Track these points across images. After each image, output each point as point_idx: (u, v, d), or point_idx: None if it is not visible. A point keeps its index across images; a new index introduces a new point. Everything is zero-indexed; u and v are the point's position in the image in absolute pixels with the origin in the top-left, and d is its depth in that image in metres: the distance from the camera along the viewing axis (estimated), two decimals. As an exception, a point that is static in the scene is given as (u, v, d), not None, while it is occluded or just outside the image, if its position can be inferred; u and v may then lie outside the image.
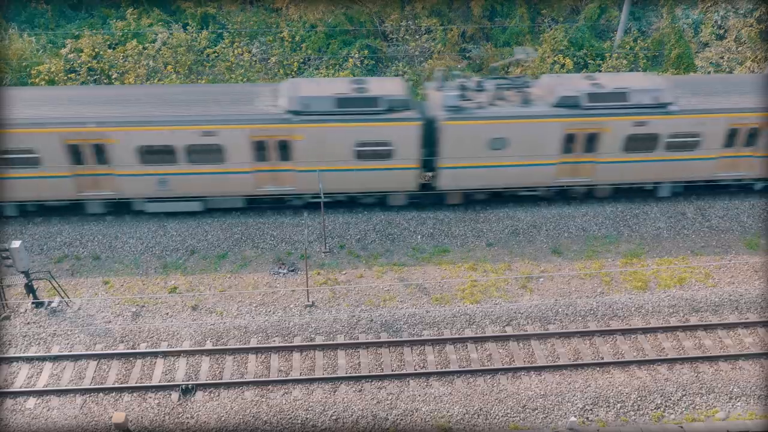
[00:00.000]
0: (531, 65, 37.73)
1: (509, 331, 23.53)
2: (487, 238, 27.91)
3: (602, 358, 22.57)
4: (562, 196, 29.30)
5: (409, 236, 27.82)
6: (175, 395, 21.10)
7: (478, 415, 20.68)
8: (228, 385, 21.42)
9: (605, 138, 27.34)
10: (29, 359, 22.12)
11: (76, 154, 26.04)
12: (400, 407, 20.84)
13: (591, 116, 26.95)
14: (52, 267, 25.72)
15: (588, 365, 22.22)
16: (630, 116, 27.06)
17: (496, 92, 27.56)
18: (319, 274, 25.91)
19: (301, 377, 21.62)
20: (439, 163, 27.39)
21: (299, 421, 20.42)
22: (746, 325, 23.82)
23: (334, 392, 21.30)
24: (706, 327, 23.69)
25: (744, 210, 29.29)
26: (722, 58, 40.08)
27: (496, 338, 23.16)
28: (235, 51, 37.76)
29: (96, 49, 36.36)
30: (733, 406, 21.17)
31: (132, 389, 21.22)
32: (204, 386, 21.35)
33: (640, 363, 22.34)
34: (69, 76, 35.51)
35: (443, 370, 21.94)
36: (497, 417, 20.66)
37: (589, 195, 29.33)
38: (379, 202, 28.61)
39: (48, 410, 20.59)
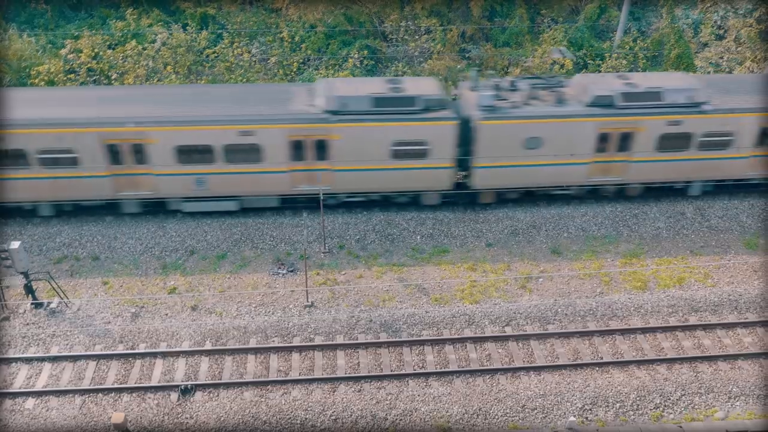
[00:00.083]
0: (531, 65, 37.75)
1: (508, 331, 23.54)
2: (487, 238, 27.91)
3: (601, 358, 22.57)
4: (593, 194, 29.42)
5: (409, 236, 27.83)
6: (174, 395, 21.11)
7: (478, 415, 20.69)
8: (227, 386, 21.42)
9: (639, 137, 27.49)
10: (28, 360, 22.13)
11: (114, 153, 26.12)
12: (399, 407, 20.85)
13: (625, 116, 27.10)
14: (51, 268, 25.73)
15: (587, 365, 22.22)
16: (664, 115, 27.19)
17: (530, 92, 27.74)
18: (319, 275, 25.91)
19: (300, 377, 21.63)
20: (474, 163, 27.51)
21: (298, 422, 20.43)
22: (745, 324, 23.83)
23: (334, 392, 21.31)
24: (706, 327, 23.70)
25: (743, 210, 29.30)
26: (722, 58, 40.08)
27: (495, 338, 23.16)
28: (235, 51, 37.77)
29: (95, 50, 36.36)
30: (732, 405, 21.17)
31: (131, 390, 21.23)
32: (203, 386, 21.36)
33: (639, 363, 22.34)
34: (68, 76, 35.52)
35: (442, 370, 21.94)
36: (496, 417, 20.67)
37: (619, 194, 29.45)
38: (413, 201, 28.75)
39: (47, 411, 20.60)
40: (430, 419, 20.57)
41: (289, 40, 39.18)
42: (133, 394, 21.12)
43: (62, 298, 24.30)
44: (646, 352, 22.78)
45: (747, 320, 23.92)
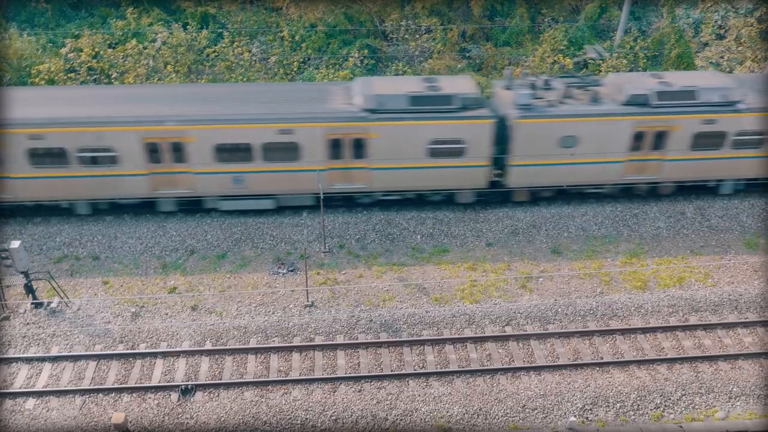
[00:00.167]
0: (531, 65, 37.73)
1: (509, 331, 23.53)
2: (487, 238, 27.90)
3: (602, 358, 22.56)
4: (627, 193, 29.52)
5: (409, 236, 27.82)
6: (174, 395, 21.10)
7: (478, 415, 20.68)
8: (227, 386, 21.42)
9: (673, 136, 27.63)
10: (29, 360, 22.13)
11: (153, 152, 26.20)
12: (399, 407, 20.85)
13: (660, 114, 27.24)
14: (51, 267, 25.73)
15: (587, 365, 22.22)
16: (699, 114, 27.31)
17: (565, 90, 27.86)
18: (319, 274, 25.90)
19: (300, 377, 21.63)
20: (510, 161, 27.60)
21: (299, 422, 20.43)
22: (746, 324, 23.82)
23: (334, 392, 21.31)
24: (706, 327, 23.69)
25: (743, 210, 29.28)
26: (722, 57, 40.07)
27: (495, 338, 23.16)
28: (235, 50, 37.76)
29: (96, 49, 36.36)
30: (732, 405, 21.16)
31: (131, 390, 21.22)
32: (203, 386, 21.36)
33: (639, 363, 22.34)
34: (69, 75, 35.52)
35: (443, 370, 21.94)
36: (497, 417, 20.66)
37: (652, 192, 29.56)
38: (447, 199, 28.84)
39: (47, 411, 20.60)
40: (431, 419, 20.57)
41: (290, 39, 39.17)
42: (134, 395, 21.12)
43: (62, 298, 24.30)
44: (646, 352, 22.77)
45: (747, 320, 23.92)
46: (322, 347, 22.72)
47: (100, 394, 21.08)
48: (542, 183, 28.37)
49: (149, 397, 21.04)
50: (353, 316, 23.87)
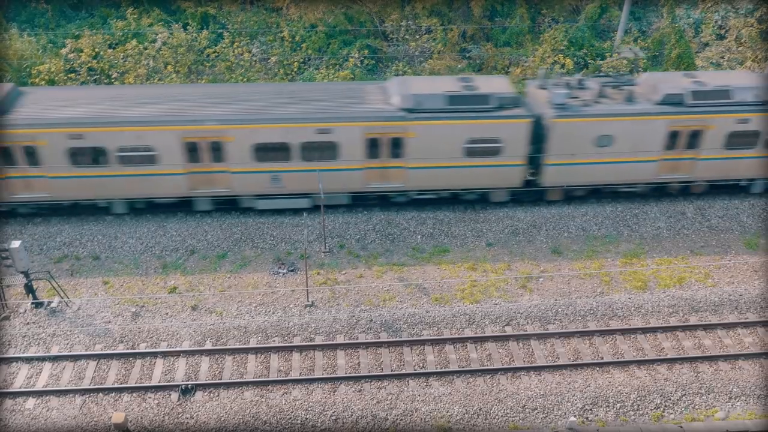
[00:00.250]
0: (530, 65, 37.73)
1: (509, 331, 23.53)
2: (487, 238, 27.90)
3: (602, 358, 22.56)
4: (660, 191, 29.62)
5: (409, 236, 27.82)
6: (174, 395, 21.10)
7: (478, 415, 20.68)
8: (228, 385, 21.42)
9: (707, 135, 27.82)
10: (29, 359, 22.13)
11: (192, 151, 26.30)
12: (399, 407, 20.84)
13: (695, 113, 27.42)
14: (51, 267, 25.73)
15: (588, 365, 22.21)
16: (734, 113, 27.47)
17: (600, 90, 27.99)
18: (319, 274, 25.91)
19: (300, 377, 21.62)
20: (545, 160, 27.73)
21: (299, 421, 20.42)
22: (746, 324, 23.81)
23: (334, 392, 21.30)
24: (706, 327, 23.68)
25: (744, 210, 29.29)
26: (722, 57, 40.08)
27: (495, 338, 23.15)
28: (235, 51, 37.77)
29: (96, 49, 36.37)
30: (732, 405, 21.15)
31: (131, 389, 21.22)
32: (204, 386, 21.35)
33: (639, 363, 22.33)
34: (69, 76, 35.53)
35: (443, 370, 21.93)
36: (497, 417, 20.66)
37: (684, 191, 29.67)
38: (481, 198, 28.97)
39: (47, 410, 20.60)
40: (431, 419, 20.56)
41: (290, 39, 39.19)
42: (134, 394, 21.12)
43: (62, 298, 24.30)
44: (646, 352, 22.77)
45: (747, 320, 23.91)
46: (322, 347, 22.72)
47: (100, 394, 21.08)
48: (577, 182, 28.53)
49: (149, 397, 21.05)
50: (353, 316, 23.87)
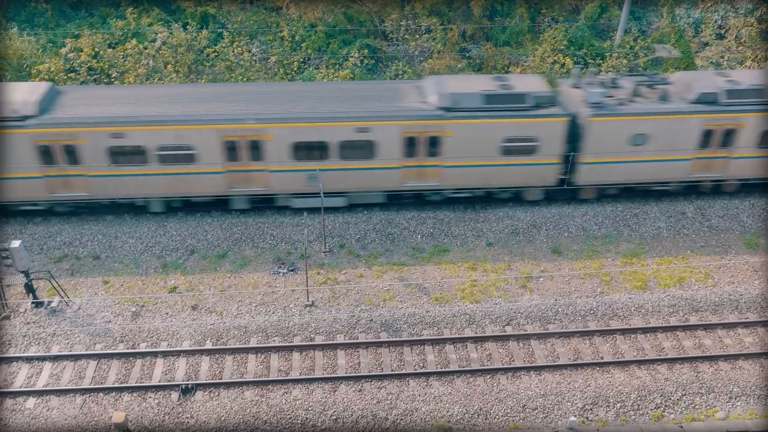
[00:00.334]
0: (531, 65, 37.73)
1: (509, 330, 23.53)
2: (487, 237, 27.91)
3: (602, 358, 22.56)
4: (692, 190, 29.71)
5: (409, 236, 27.82)
6: (174, 395, 21.10)
7: (478, 415, 20.68)
8: (228, 385, 21.42)
9: (741, 134, 27.89)
10: (29, 359, 22.12)
11: (231, 150, 26.36)
12: (399, 407, 20.85)
13: (729, 112, 27.49)
14: (51, 267, 25.73)
15: (588, 365, 22.22)
16: (767, 112, 27.48)
17: (634, 89, 28.06)
18: (319, 274, 25.90)
19: (300, 377, 21.63)
20: (580, 159, 27.79)
21: (299, 421, 20.42)
22: (746, 324, 23.82)
23: (334, 392, 21.30)
24: (706, 327, 23.69)
25: (744, 209, 29.30)
26: (722, 57, 40.09)
27: (495, 338, 23.16)
28: (235, 50, 37.75)
29: (96, 49, 36.36)
30: (732, 405, 21.16)
31: (132, 389, 21.22)
32: (204, 386, 21.35)
33: (639, 363, 22.34)
34: (69, 75, 35.51)
35: (443, 369, 21.93)
36: (497, 417, 20.66)
37: (716, 189, 29.76)
38: (515, 197, 29.08)
39: (48, 410, 20.60)
40: (431, 419, 20.56)
41: (290, 39, 39.17)
42: (134, 394, 21.12)
43: (63, 297, 24.29)
44: (646, 352, 22.78)
45: (748, 320, 23.92)
46: (322, 347, 22.72)
47: (101, 394, 21.08)
48: (611, 180, 28.59)
49: (150, 397, 21.04)
50: (353, 315, 23.87)
